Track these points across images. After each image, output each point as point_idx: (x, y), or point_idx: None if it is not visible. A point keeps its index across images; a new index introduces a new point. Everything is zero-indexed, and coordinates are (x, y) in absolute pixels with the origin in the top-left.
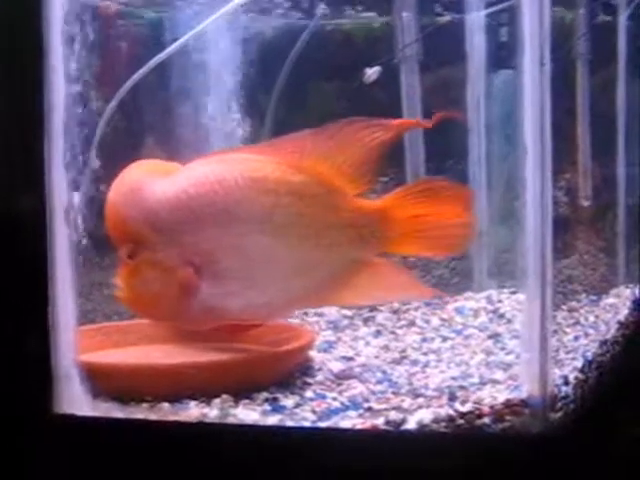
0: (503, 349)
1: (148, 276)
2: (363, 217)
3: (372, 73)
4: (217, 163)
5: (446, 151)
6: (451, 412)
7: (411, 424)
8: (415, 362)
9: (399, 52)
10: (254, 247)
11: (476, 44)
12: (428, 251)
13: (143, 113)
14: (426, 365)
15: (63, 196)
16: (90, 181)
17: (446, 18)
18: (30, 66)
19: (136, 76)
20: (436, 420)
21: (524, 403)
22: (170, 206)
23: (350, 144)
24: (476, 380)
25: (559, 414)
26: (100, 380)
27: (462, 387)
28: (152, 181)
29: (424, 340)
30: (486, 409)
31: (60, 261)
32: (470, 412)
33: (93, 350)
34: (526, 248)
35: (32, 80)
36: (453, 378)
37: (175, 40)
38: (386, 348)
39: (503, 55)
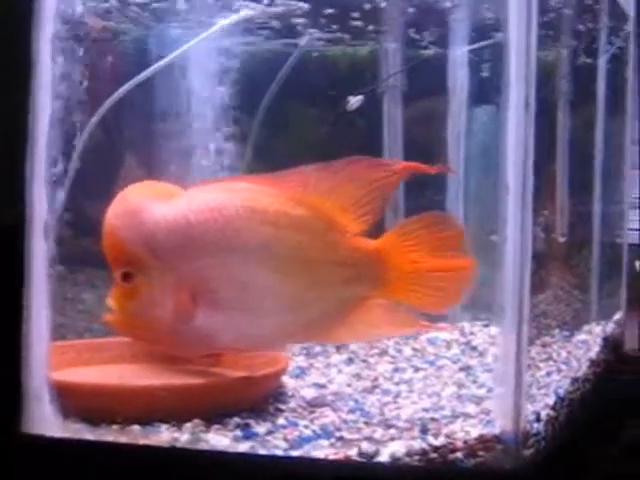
0: (475, 382)
1: (143, 300)
2: (361, 256)
3: (355, 102)
4: (218, 191)
5: (424, 183)
6: (424, 445)
7: (384, 456)
8: (387, 392)
9: (383, 82)
10: (251, 278)
11: (458, 79)
12: (423, 305)
13: (124, 130)
14: (398, 395)
15: (43, 210)
16: (68, 196)
17: (430, 52)
18: (17, 82)
19: (119, 93)
20: (409, 453)
21: (497, 439)
22: (169, 231)
23: (354, 182)
24: (448, 413)
25: (531, 451)
26: (70, 399)
27: (434, 419)
28: (152, 204)
29: (396, 370)
30: (459, 444)
31: (37, 276)
32: (443, 446)
33: (64, 367)
34: (504, 283)
35: (18, 96)
36: (425, 409)
37: (160, 59)
38: (358, 376)
39: (485, 91)
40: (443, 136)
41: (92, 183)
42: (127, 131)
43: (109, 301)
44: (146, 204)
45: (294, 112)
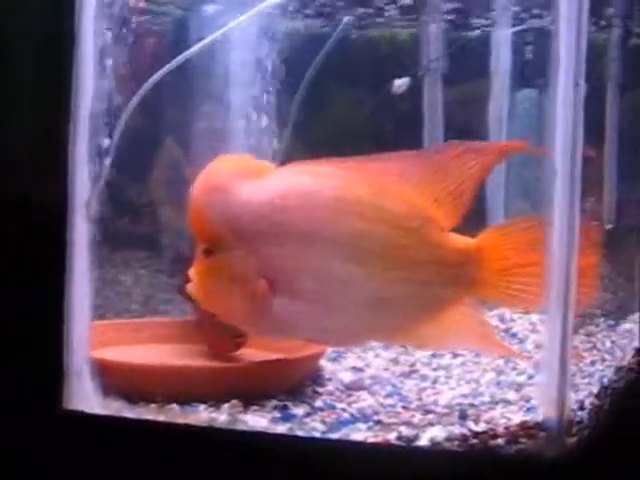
0: (514, 369)
1: (221, 277)
2: (460, 257)
3: (401, 84)
4: (308, 176)
5: None
6: (464, 431)
7: (424, 441)
8: (425, 377)
9: (424, 65)
10: (335, 272)
11: (501, 61)
12: (515, 303)
13: (163, 111)
14: (435, 381)
15: (84, 190)
16: (109, 176)
17: (472, 34)
18: (60, 61)
19: (160, 73)
20: (449, 438)
21: (540, 426)
22: (254, 214)
23: (448, 171)
24: (487, 399)
25: (574, 439)
26: (110, 378)
27: (473, 405)
28: (239, 183)
29: (434, 356)
30: (500, 430)
31: (78, 255)
32: (484, 432)
33: (103, 347)
34: (550, 270)
35: (60, 76)
36: (463, 395)
37: (200, 40)
38: (395, 361)
39: (528, 74)
40: (484, 120)
41: (131, 164)
42: (166, 112)
43: (191, 271)
44: (233, 183)
45: (334, 94)
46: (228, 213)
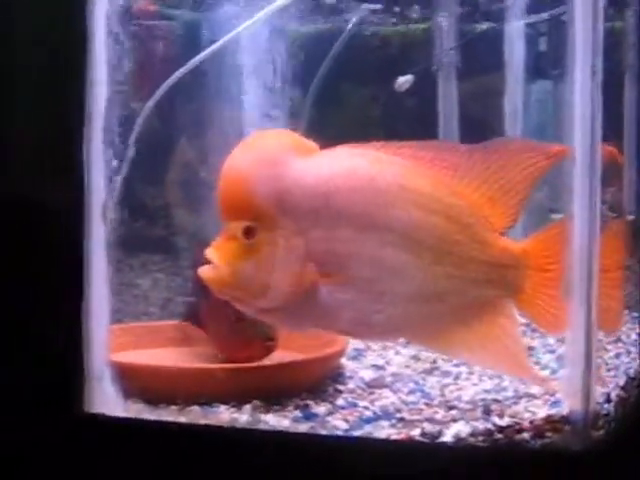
0: (537, 363)
1: (262, 261)
2: (507, 258)
3: (404, 82)
4: (366, 160)
5: None
6: (489, 426)
7: (448, 437)
8: (447, 373)
9: (437, 59)
10: (387, 260)
11: (515, 53)
12: (547, 322)
13: (177, 114)
14: (457, 377)
15: (101, 192)
16: (124, 180)
17: (485, 26)
18: (74, 63)
19: (174, 76)
20: (473, 434)
21: (565, 419)
22: (309, 192)
23: (504, 169)
24: (510, 394)
25: (600, 432)
26: (130, 381)
27: (496, 400)
28: (292, 158)
29: None
30: (526, 424)
31: (96, 258)
32: (509, 426)
33: (122, 350)
34: (571, 262)
35: (75, 77)
36: (486, 391)
37: (213, 42)
38: (416, 358)
39: (542, 65)
40: (500, 113)
41: (146, 167)
42: (180, 114)
43: (212, 253)
44: (286, 156)
45: (346, 91)
46: (280, 188)
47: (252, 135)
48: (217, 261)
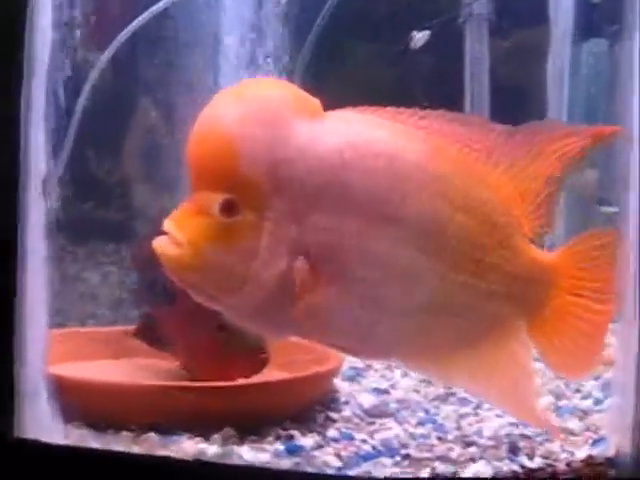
0: (578, 391)
1: (240, 246)
2: (534, 271)
3: (420, 37)
4: (389, 132)
5: None
6: (516, 467)
7: None
8: (465, 401)
9: (464, 9)
10: (399, 261)
11: (562, 6)
12: (562, 362)
13: (138, 70)
14: (478, 406)
15: (40, 164)
16: (73, 148)
17: None
18: (10, 4)
19: (132, 25)
20: (496, 477)
21: (611, 462)
22: (313, 165)
23: (538, 159)
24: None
25: None
26: (73, 399)
27: (525, 436)
28: (294, 118)
29: None
30: (561, 466)
31: (32, 245)
32: (540, 469)
33: (64, 361)
34: (623, 265)
35: (12, 21)
36: (513, 424)
37: None
38: (427, 381)
39: (595, 21)
40: (541, 78)
41: (99, 134)
42: (142, 69)
43: (172, 226)
44: (286, 115)
45: (348, 48)
46: (276, 154)
47: (242, 82)
48: (179, 237)
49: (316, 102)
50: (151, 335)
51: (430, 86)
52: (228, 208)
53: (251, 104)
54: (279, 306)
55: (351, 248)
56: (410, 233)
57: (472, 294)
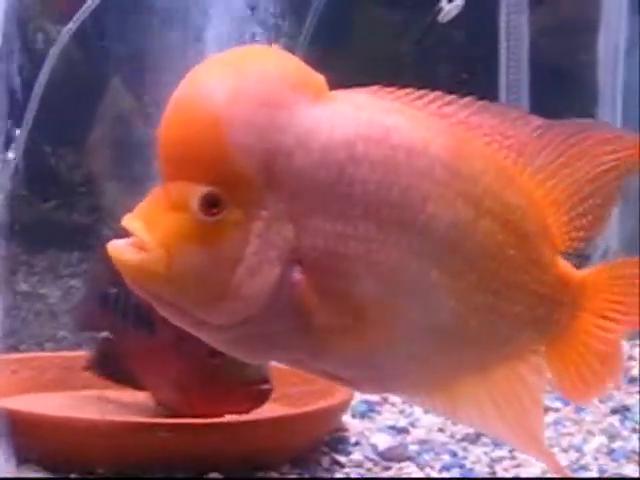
0: (635, 431)
1: (223, 250)
2: (560, 289)
3: (451, 9)
4: (408, 120)
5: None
6: None
7: None
8: (498, 442)
9: None
10: (412, 277)
11: None
12: (574, 387)
13: (110, 42)
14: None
15: None
16: (29, 139)
17: None
18: None
19: None
20: None
21: None
22: (316, 157)
23: (579, 163)
24: (594, 474)
25: None
26: (27, 437)
27: None
28: (297, 98)
29: None
30: None
31: None
32: None
33: (15, 393)
34: None
35: None
36: None
37: None
38: None
39: None
40: (591, 54)
41: (60, 121)
42: (112, 44)
43: (135, 224)
44: (287, 94)
45: (361, 18)
46: (274, 142)
47: (231, 51)
48: (147, 237)
49: (321, 79)
50: (109, 367)
51: (459, 67)
52: (210, 203)
53: (244, 78)
54: (264, 323)
55: (357, 257)
56: (426, 242)
57: (491, 317)
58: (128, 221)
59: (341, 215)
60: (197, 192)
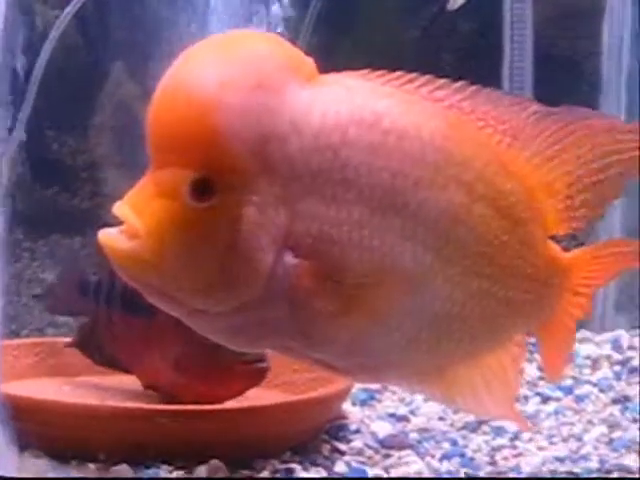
0: (636, 420)
1: (215, 237)
2: (552, 274)
3: None
4: (400, 103)
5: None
6: None
7: None
8: (500, 430)
9: None
10: (406, 263)
11: None
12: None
13: (113, 25)
14: (516, 437)
15: None
16: (30, 124)
17: None
18: None
19: None
20: None
21: None
22: (309, 141)
23: (577, 150)
24: (594, 464)
25: None
26: (29, 423)
27: (573, 474)
28: (289, 82)
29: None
30: None
31: None
32: None
33: (17, 378)
34: None
35: None
36: (558, 459)
37: None
38: None
39: None
40: (596, 42)
41: (62, 106)
42: (114, 27)
43: (126, 211)
44: (280, 77)
45: (367, 7)
46: (267, 126)
47: (222, 35)
48: (137, 224)
49: (311, 63)
50: (89, 350)
51: (461, 55)
52: (201, 189)
53: (234, 62)
54: (260, 312)
55: (349, 242)
56: (419, 227)
57: (486, 302)
58: (119, 208)
59: (334, 200)
60: (187, 178)
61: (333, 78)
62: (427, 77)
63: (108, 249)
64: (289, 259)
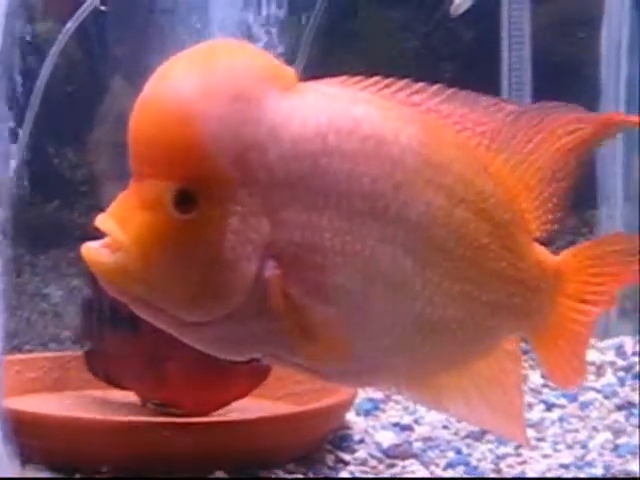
0: None
1: (198, 249)
2: (539, 276)
3: (462, 3)
4: (378, 109)
5: None
6: None
7: None
8: (504, 439)
9: None
10: (383, 267)
11: None
12: (560, 372)
13: (112, 40)
14: (521, 445)
15: None
16: (31, 139)
17: None
18: None
19: None
20: None
21: None
22: (289, 150)
23: (547, 145)
24: (599, 471)
25: None
26: (32, 437)
27: None
28: (267, 91)
29: None
30: None
31: None
32: None
33: (20, 394)
34: None
35: None
36: (563, 466)
37: None
38: None
39: None
40: (594, 48)
41: (62, 121)
42: (114, 42)
43: (110, 224)
44: (258, 87)
45: (368, 15)
46: (247, 136)
47: (200, 45)
48: (120, 237)
49: (290, 72)
50: (98, 368)
51: (459, 61)
52: (183, 201)
53: (212, 73)
54: (246, 321)
55: (331, 250)
56: (399, 231)
57: (469, 306)
58: (101, 221)
59: (315, 207)
60: (170, 190)
61: (312, 86)
62: (404, 82)
63: (92, 263)
64: (272, 268)
